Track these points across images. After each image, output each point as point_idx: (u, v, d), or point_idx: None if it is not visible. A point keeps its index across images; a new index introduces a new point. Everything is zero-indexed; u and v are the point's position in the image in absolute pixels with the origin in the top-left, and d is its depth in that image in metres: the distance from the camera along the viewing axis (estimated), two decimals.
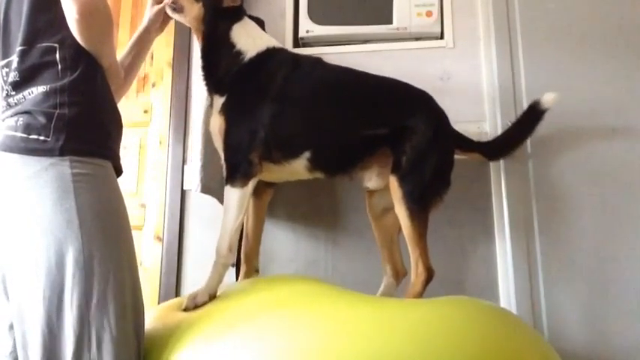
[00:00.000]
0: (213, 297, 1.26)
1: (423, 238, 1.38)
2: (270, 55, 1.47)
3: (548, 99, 1.57)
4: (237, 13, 1.50)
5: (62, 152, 1.05)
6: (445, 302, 1.09)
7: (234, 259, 1.38)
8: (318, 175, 1.48)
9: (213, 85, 1.47)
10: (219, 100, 1.43)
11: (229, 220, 1.33)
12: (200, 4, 1.46)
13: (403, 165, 1.39)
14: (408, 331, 0.93)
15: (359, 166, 1.48)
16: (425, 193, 1.40)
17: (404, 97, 1.51)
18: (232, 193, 1.33)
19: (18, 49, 1.12)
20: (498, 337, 0.97)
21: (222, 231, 1.33)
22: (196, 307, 1.23)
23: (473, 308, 1.07)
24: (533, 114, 1.59)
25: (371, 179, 1.50)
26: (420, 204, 1.38)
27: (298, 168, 1.44)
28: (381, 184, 1.48)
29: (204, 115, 1.65)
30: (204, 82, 1.49)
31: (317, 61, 1.52)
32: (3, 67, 1.16)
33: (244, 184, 1.33)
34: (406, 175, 1.38)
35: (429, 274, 1.37)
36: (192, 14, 1.47)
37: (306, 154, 1.41)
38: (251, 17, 1.55)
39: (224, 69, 1.45)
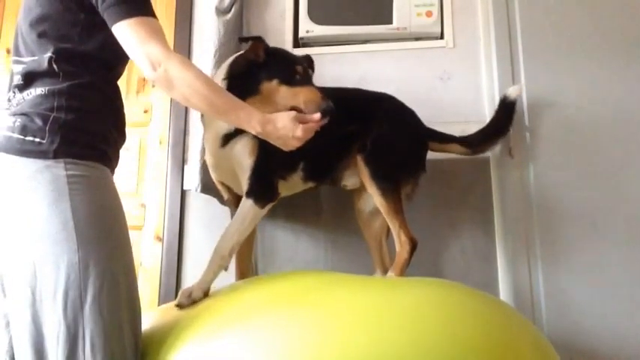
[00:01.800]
0: (206, 294, 1.29)
1: (400, 212, 1.46)
2: None
3: (512, 90, 1.69)
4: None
5: (56, 155, 1.05)
6: (438, 285, 1.12)
7: (229, 263, 1.40)
8: (310, 184, 1.58)
9: None
10: None
11: (239, 230, 1.36)
12: (274, 80, 1.36)
13: (368, 146, 1.49)
14: (402, 318, 0.94)
15: (338, 167, 1.56)
16: (391, 171, 1.48)
17: (367, 97, 1.62)
18: (251, 208, 1.37)
19: (25, 58, 1.15)
20: (489, 321, 0.98)
21: (227, 235, 1.36)
22: (193, 302, 1.25)
23: (464, 293, 1.09)
24: (506, 107, 1.69)
25: (348, 178, 1.58)
26: (388, 182, 1.47)
27: (296, 180, 1.54)
28: (357, 182, 1.57)
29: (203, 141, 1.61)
30: None
31: None
32: (13, 69, 1.18)
33: (264, 205, 1.39)
34: (370, 154, 1.48)
35: (413, 243, 1.46)
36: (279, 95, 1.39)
37: (301, 165, 1.51)
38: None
39: None
